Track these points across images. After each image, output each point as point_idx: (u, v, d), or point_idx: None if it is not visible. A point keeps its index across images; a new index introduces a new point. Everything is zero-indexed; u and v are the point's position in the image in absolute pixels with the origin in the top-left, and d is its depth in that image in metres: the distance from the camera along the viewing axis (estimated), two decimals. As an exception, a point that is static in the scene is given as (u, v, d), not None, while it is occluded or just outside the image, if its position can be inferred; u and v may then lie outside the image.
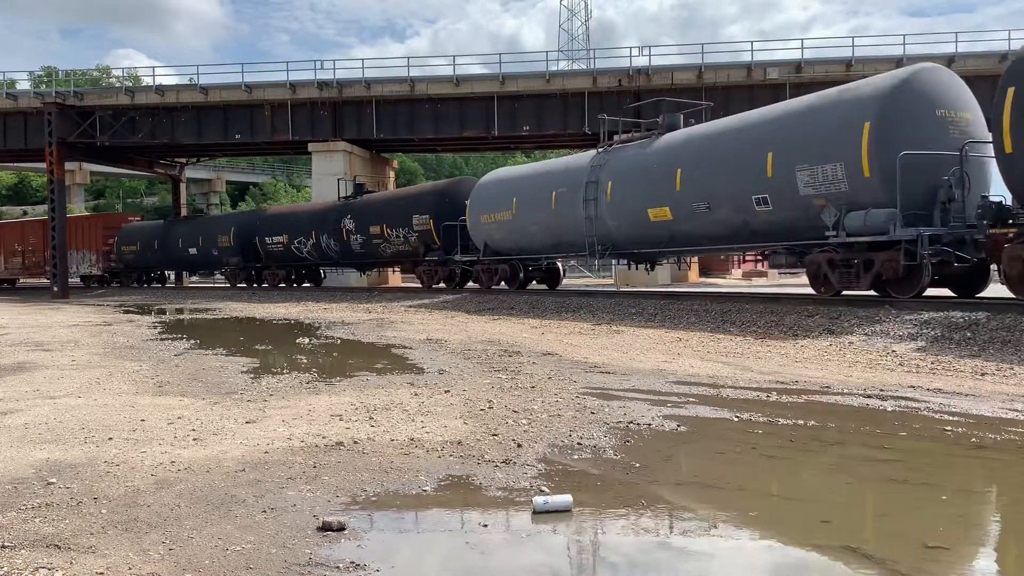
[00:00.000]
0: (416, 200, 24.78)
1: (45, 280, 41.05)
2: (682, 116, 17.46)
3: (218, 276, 38.44)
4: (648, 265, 18.80)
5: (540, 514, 3.49)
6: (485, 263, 21.92)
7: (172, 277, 42.11)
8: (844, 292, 12.85)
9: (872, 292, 12.46)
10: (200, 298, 28.38)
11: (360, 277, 31.54)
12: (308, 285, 31.92)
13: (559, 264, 22.32)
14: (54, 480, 4.05)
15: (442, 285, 24.15)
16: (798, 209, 13.07)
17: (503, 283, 21.68)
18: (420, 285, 25.60)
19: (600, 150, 18.11)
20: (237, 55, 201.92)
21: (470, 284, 23.46)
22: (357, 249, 26.88)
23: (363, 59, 52.96)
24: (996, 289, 11.68)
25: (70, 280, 40.80)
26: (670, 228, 15.83)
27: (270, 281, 31.81)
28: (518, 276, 21.18)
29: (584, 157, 18.67)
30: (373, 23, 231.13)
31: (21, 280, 45.26)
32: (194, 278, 44.45)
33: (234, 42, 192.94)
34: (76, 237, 38.80)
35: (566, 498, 3.58)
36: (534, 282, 22.19)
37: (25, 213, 67.23)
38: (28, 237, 42.03)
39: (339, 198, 29.17)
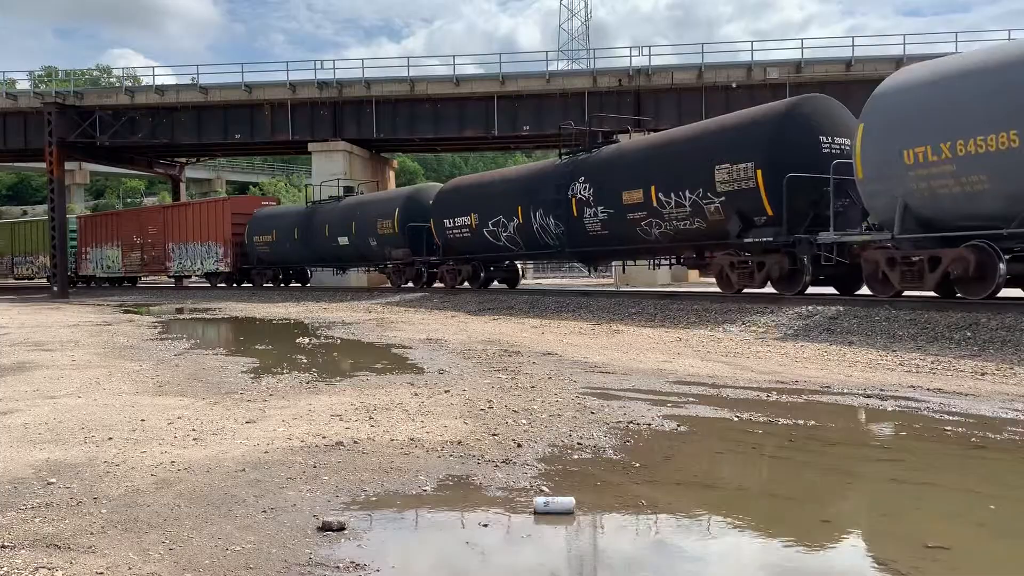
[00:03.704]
0: (721, 140, 14.36)
1: (166, 278, 36.14)
2: None
3: (371, 271, 29.58)
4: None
5: (540, 515, 3.48)
6: (897, 248, 11.47)
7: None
8: None
9: None
10: (201, 299, 28.35)
11: (592, 274, 22.52)
12: (501, 286, 23.28)
13: None
14: (54, 480, 4.05)
15: (767, 288, 14.05)
16: None
17: (935, 286, 11.06)
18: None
19: None
20: (233, 55, 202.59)
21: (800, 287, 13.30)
22: (596, 230, 17.18)
23: (363, 59, 52.85)
24: None
25: (194, 279, 36.07)
26: None
27: (448, 281, 23.10)
28: (996, 269, 10.39)
29: None
30: (370, 23, 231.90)
31: (142, 279, 39.72)
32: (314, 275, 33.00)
33: (230, 42, 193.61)
34: (200, 227, 32.96)
35: (568, 500, 3.55)
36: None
37: (25, 213, 67.24)
38: (147, 227, 35.98)
39: (559, 155, 19.24)
